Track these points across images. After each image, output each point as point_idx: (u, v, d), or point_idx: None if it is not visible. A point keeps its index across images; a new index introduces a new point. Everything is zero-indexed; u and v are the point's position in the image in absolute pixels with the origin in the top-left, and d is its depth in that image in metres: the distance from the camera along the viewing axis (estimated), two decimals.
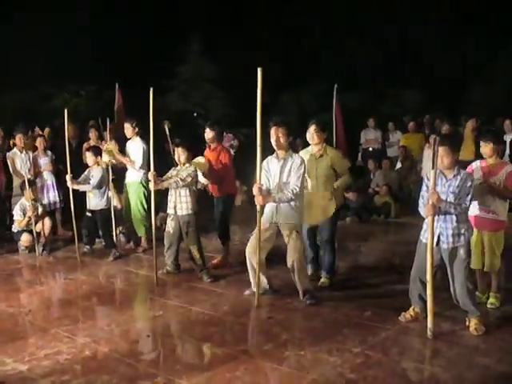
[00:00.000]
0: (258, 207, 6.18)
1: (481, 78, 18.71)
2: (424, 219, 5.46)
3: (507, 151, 11.76)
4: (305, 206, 6.49)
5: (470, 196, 5.28)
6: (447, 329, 5.45)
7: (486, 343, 5.09)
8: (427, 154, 12.22)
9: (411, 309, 5.76)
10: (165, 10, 18.69)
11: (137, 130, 8.99)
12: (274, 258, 6.76)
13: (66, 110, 8.63)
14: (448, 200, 5.26)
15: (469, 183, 5.28)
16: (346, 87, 14.52)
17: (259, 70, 5.86)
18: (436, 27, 19.30)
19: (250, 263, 6.39)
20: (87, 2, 17.32)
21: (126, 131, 9.06)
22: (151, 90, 6.99)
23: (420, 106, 17.74)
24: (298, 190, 6.14)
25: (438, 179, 5.27)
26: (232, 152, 13.54)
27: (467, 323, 5.41)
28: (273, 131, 6.26)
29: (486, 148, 5.95)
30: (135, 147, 8.96)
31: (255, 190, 6.10)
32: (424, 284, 5.43)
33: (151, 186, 7.12)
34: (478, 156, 6.32)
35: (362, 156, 14.48)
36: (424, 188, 5.45)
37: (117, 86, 13.65)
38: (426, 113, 14.97)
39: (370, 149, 14.23)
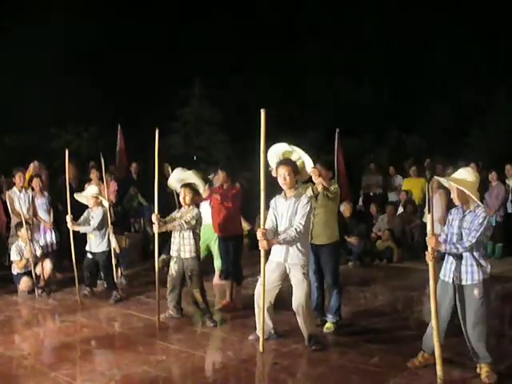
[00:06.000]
0: (262, 252, 6.11)
1: (478, 122, 18.87)
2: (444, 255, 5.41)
3: (510, 197, 11.76)
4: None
5: (477, 233, 5.10)
6: (457, 376, 5.33)
7: None
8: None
9: (420, 355, 5.63)
10: (166, 53, 18.86)
11: None
12: (279, 301, 6.61)
13: (66, 150, 8.59)
14: (458, 236, 5.22)
15: (479, 220, 5.13)
16: (345, 133, 14.61)
17: (262, 112, 5.85)
18: (433, 72, 19.52)
19: (257, 306, 6.30)
20: (89, 45, 17.45)
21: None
22: (156, 130, 6.97)
23: (419, 151, 17.79)
24: (301, 228, 6.05)
25: (456, 214, 5.31)
26: None
27: (478, 370, 5.28)
28: (279, 170, 6.22)
29: None
30: None
31: (259, 235, 6.02)
32: (443, 325, 5.34)
33: (155, 228, 7.04)
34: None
35: (363, 200, 14.45)
36: (447, 222, 5.44)
37: (119, 127, 13.75)
38: (426, 157, 14.98)
39: (371, 193, 14.21)
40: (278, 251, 6.24)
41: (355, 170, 14.91)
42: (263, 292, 6.10)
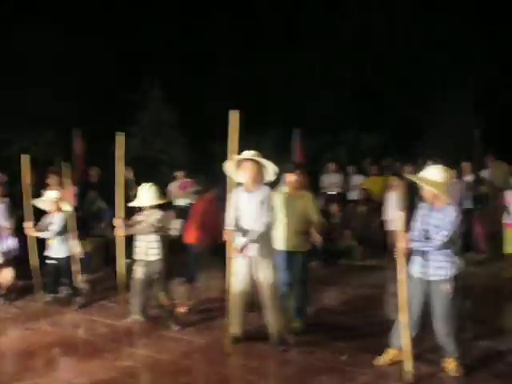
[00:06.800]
0: (232, 252, 6.12)
1: (431, 121, 19.06)
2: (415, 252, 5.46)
3: (467, 193, 11.92)
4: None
5: (448, 232, 5.17)
6: (425, 371, 5.39)
7: None
8: (389, 196, 12.35)
9: (387, 352, 5.66)
10: (124, 55, 18.66)
11: None
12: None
13: (27, 156, 8.44)
14: (425, 232, 5.27)
15: (451, 219, 5.19)
16: (303, 133, 14.63)
17: (235, 113, 5.86)
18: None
19: (232, 305, 6.34)
20: (46, 46, 17.18)
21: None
22: (122, 135, 6.95)
23: (377, 150, 17.92)
24: (268, 221, 6.20)
25: (423, 210, 5.41)
26: (194, 198, 13.49)
27: (445, 364, 5.34)
28: (244, 165, 6.25)
29: None
30: None
31: (228, 236, 6.03)
32: (413, 319, 5.38)
33: (120, 231, 6.96)
34: None
35: (324, 200, 14.49)
36: (418, 219, 5.48)
37: (77, 131, 13.57)
38: (384, 156, 15.10)
39: (332, 193, 14.26)
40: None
41: (314, 170, 14.91)
42: (228, 291, 6.20)
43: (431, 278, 5.31)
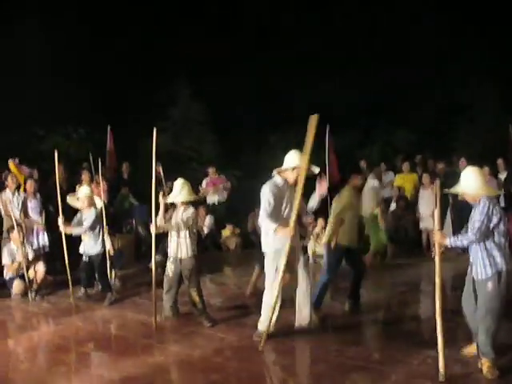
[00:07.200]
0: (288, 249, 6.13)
1: (466, 116, 18.84)
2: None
3: (502, 191, 11.73)
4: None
5: (478, 223, 5.08)
6: (459, 372, 5.30)
7: None
8: (422, 193, 12.25)
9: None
10: (154, 51, 18.72)
11: None
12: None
13: (56, 152, 8.47)
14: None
15: (479, 209, 5.12)
16: (335, 129, 14.51)
17: (315, 117, 5.92)
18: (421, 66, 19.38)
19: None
20: (75, 45, 17.31)
21: None
22: (154, 130, 6.97)
23: (410, 146, 17.74)
24: None
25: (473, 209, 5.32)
26: (225, 194, 13.54)
27: (479, 365, 5.25)
28: (299, 170, 6.33)
29: None
30: None
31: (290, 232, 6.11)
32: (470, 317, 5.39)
33: (152, 229, 6.99)
34: None
35: None
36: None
37: (109, 128, 13.66)
38: (417, 153, 14.94)
39: None
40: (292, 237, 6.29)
41: (345, 168, 14.79)
42: (279, 287, 6.17)
43: (476, 276, 5.24)
